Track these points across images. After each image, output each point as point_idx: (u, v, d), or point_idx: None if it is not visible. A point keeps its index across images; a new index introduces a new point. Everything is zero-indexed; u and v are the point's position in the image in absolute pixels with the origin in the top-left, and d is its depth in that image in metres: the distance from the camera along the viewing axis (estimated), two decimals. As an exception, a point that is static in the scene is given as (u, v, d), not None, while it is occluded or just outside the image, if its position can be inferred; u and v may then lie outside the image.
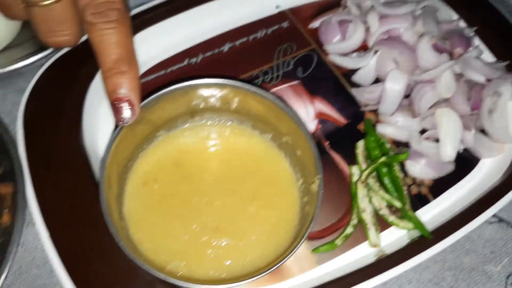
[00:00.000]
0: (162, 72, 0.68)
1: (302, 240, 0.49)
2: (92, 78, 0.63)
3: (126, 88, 0.46)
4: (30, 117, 0.60)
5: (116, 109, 0.46)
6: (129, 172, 0.57)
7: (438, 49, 0.67)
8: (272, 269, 0.49)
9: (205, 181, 0.58)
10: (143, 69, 0.68)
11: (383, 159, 0.61)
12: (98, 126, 0.63)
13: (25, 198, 0.54)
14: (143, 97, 0.54)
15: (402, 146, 0.66)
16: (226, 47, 0.71)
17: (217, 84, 0.56)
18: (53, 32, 0.47)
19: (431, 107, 0.66)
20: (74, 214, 0.54)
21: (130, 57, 0.47)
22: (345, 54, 0.72)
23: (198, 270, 0.52)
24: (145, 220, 0.54)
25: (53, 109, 0.61)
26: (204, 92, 0.56)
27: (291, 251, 0.49)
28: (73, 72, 0.63)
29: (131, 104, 0.46)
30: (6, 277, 0.50)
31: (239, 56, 0.71)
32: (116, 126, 0.52)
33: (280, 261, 0.49)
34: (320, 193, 0.51)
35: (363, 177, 0.60)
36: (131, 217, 0.55)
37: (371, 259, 0.58)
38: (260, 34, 0.73)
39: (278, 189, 0.58)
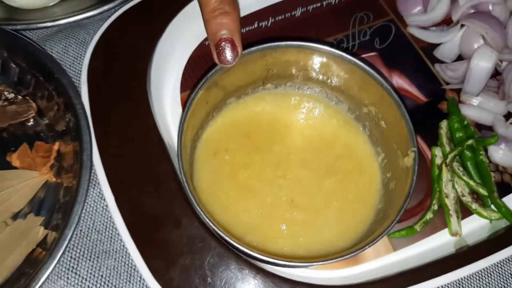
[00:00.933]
0: (230, 34, 0.64)
1: (394, 222, 0.45)
2: (161, 34, 0.58)
3: (230, 28, 0.46)
4: (95, 72, 0.55)
5: (219, 51, 0.46)
6: (199, 141, 0.53)
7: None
8: (352, 254, 0.45)
9: (278, 152, 0.54)
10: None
11: (470, 141, 0.56)
12: (165, 86, 0.59)
13: (91, 157, 0.50)
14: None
15: (484, 130, 0.61)
16: (298, 12, 0.66)
17: (299, 46, 0.51)
18: None
19: (521, 90, 0.61)
20: (141, 177, 0.50)
21: None
22: (424, 27, 0.67)
23: (272, 246, 0.49)
24: (216, 192, 0.51)
25: (119, 65, 0.56)
26: (283, 55, 0.52)
27: (381, 234, 0.45)
28: (141, 27, 0.58)
29: (234, 45, 0.46)
30: (69, 240, 0.47)
31: (312, 22, 0.65)
32: (193, 90, 0.48)
33: (367, 244, 0.45)
34: (416, 168, 0.47)
35: (449, 159, 0.55)
36: (202, 188, 0.51)
37: (450, 249, 0.53)
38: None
39: (356, 163, 0.54)
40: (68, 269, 0.48)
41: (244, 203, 0.50)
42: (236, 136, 0.54)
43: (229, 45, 0.46)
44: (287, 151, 0.54)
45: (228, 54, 0.47)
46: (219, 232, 0.43)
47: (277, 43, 0.51)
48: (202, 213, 0.43)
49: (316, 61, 0.53)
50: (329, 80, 0.55)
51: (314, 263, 0.46)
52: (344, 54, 0.51)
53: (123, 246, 0.50)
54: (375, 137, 0.54)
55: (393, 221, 0.45)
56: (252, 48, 0.50)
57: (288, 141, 0.55)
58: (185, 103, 0.48)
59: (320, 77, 0.55)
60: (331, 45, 0.62)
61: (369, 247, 0.45)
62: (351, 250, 0.44)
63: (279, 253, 0.49)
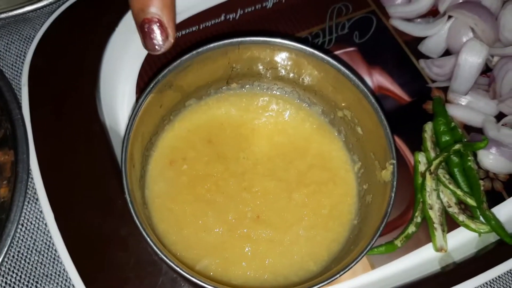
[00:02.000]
0: (194, 28, 0.58)
1: (372, 242, 0.40)
2: (114, 28, 0.52)
3: (157, 6, 0.37)
4: (38, 72, 0.50)
5: (144, 33, 0.38)
6: (153, 148, 0.47)
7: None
8: (331, 279, 0.39)
9: (243, 161, 0.48)
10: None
11: (458, 146, 0.50)
12: (118, 88, 0.53)
13: (28, 169, 0.44)
14: (172, 59, 0.44)
15: (474, 132, 0.56)
16: (269, 3, 0.60)
17: (265, 42, 0.45)
18: None
19: (514, 88, 0.55)
20: (85, 192, 0.45)
21: None
22: (409, 19, 0.61)
23: (235, 270, 0.43)
24: (171, 208, 0.45)
25: (66, 64, 0.50)
26: (249, 52, 0.46)
27: (357, 257, 0.39)
28: (92, 20, 0.53)
29: (162, 26, 0.38)
30: (1, 263, 0.41)
31: (285, 14, 0.59)
32: (141, 93, 0.42)
33: (342, 269, 0.39)
34: (394, 184, 0.41)
35: (433, 166, 0.49)
36: (155, 203, 0.45)
37: (435, 267, 0.48)
38: (310, -11, 0.61)
39: (330, 173, 0.48)
40: (1, 299, 0.43)
41: (203, 220, 0.44)
42: (195, 143, 0.48)
43: (156, 25, 0.38)
44: (253, 160, 0.48)
45: (156, 38, 0.38)
46: (167, 261, 0.37)
47: (240, 39, 0.45)
48: (147, 237, 0.38)
49: (285, 58, 0.47)
50: (300, 79, 0.49)
51: None
52: (315, 52, 0.45)
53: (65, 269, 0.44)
54: (351, 143, 0.48)
55: (369, 242, 0.40)
56: (212, 44, 0.44)
57: (255, 148, 0.49)
58: (132, 110, 0.42)
59: (291, 75, 0.49)
60: (303, 41, 0.56)
61: (344, 273, 0.39)
62: (322, 278, 0.39)
63: (241, 278, 0.43)
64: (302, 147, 0.49)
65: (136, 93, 0.53)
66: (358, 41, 0.59)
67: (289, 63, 0.47)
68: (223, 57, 0.46)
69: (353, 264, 0.39)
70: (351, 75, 0.44)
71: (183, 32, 0.57)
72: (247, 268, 0.43)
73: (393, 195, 0.41)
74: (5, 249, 0.41)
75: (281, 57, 0.47)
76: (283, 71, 0.49)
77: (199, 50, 0.43)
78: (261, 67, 0.49)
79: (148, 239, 0.38)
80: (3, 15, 0.54)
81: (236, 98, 0.51)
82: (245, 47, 0.46)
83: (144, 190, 0.45)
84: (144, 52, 0.55)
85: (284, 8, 0.60)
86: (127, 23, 0.53)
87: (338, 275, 0.39)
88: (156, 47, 0.38)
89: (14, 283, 0.43)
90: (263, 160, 0.48)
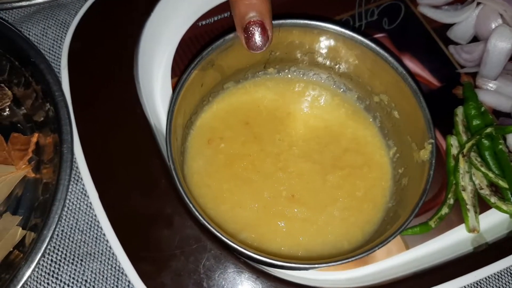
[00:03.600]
0: (226, 15, 0.58)
1: (409, 221, 0.41)
2: (149, 14, 0.53)
3: (260, 10, 0.41)
4: (76, 56, 0.50)
5: (248, 35, 0.41)
6: (192, 127, 0.48)
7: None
8: (361, 255, 0.40)
9: (279, 143, 0.49)
10: (202, 10, 0.58)
11: (489, 129, 0.51)
12: (154, 71, 0.54)
13: (72, 149, 0.45)
14: (212, 40, 0.45)
15: (503, 117, 0.56)
16: (299, -11, 0.61)
17: (305, 25, 0.46)
18: None
19: (542, 73, 0.56)
20: (128, 172, 0.45)
21: None
22: (436, 6, 0.61)
23: (269, 245, 0.44)
24: (209, 184, 0.46)
25: (103, 48, 0.51)
26: (286, 36, 0.47)
27: (393, 234, 0.40)
28: (127, 6, 0.53)
29: (264, 29, 0.41)
30: (48, 242, 0.42)
31: (314, 1, 0.60)
32: (185, 69, 0.43)
33: (377, 245, 0.40)
34: (433, 162, 0.42)
35: (466, 149, 0.50)
36: (194, 179, 0.46)
37: (467, 247, 0.49)
38: (337, -24, 0.62)
39: (365, 157, 0.49)
40: (48, 274, 0.43)
41: (239, 197, 0.45)
42: (233, 124, 0.49)
43: (259, 28, 0.41)
44: (289, 142, 0.49)
45: (258, 39, 0.42)
46: (210, 228, 0.38)
47: (281, 21, 0.46)
48: (191, 205, 0.39)
49: (324, 43, 0.48)
50: (337, 66, 0.50)
51: (316, 265, 0.41)
52: (355, 35, 0.45)
53: (109, 247, 0.45)
54: (387, 129, 0.49)
55: (406, 219, 0.41)
56: None
57: (291, 131, 0.50)
58: (176, 84, 0.43)
59: (328, 62, 0.50)
60: (340, 24, 0.57)
61: (378, 248, 0.40)
62: (358, 252, 0.40)
63: (276, 253, 0.44)
64: (337, 132, 0.50)
65: (172, 77, 0.54)
66: (387, 27, 0.59)
67: (327, 47, 0.48)
68: None
69: (388, 240, 0.40)
70: (390, 58, 0.45)
71: (215, 18, 0.58)
72: (281, 244, 0.44)
73: (431, 173, 0.42)
74: (53, 226, 0.42)
75: (319, 41, 0.48)
76: (320, 57, 0.49)
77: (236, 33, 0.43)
78: (298, 53, 0.49)
79: (191, 206, 0.39)
80: (38, 1, 0.55)
81: (273, 82, 0.52)
82: (285, 30, 0.46)
83: (183, 167, 0.46)
84: (178, 37, 0.56)
85: (314, -5, 0.60)
86: (162, 8, 0.54)
87: (372, 250, 0.40)
88: (259, 47, 0.42)
89: (60, 260, 0.44)
90: (298, 142, 0.49)
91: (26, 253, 0.42)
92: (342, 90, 0.51)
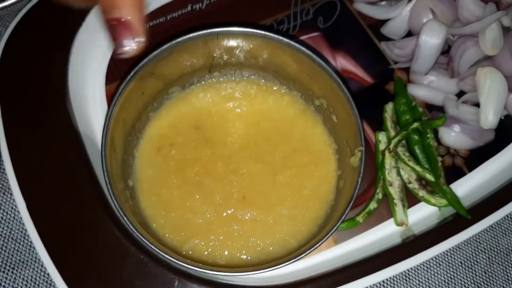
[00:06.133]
0: (161, 20, 0.59)
1: (336, 226, 0.42)
2: (81, 22, 0.54)
3: (126, 4, 0.33)
4: (8, 67, 0.51)
5: (113, 33, 0.34)
6: (139, 135, 0.49)
7: (483, -2, 0.58)
8: (306, 253, 0.42)
9: (229, 146, 0.50)
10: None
11: (415, 124, 0.52)
12: (88, 79, 0.55)
13: (0, 162, 0.46)
14: (152, 47, 0.45)
15: (435, 110, 0.57)
16: (235, -9, 0.62)
17: (245, 33, 0.47)
18: None
19: (472, 66, 0.57)
20: (56, 180, 0.47)
21: None
22: (373, 2, 0.62)
23: (219, 250, 0.46)
24: (159, 192, 0.47)
25: (34, 62, 0.52)
26: (228, 42, 0.48)
27: (328, 233, 0.42)
28: (59, 16, 0.54)
29: (131, 27, 0.34)
30: (-22, 251, 0.43)
31: (250, 3, 0.61)
32: (122, 80, 0.44)
33: (315, 244, 0.42)
34: (362, 170, 0.43)
35: (392, 145, 0.51)
36: (143, 189, 0.47)
37: (396, 240, 0.50)
38: (274, -23, 0.63)
39: (313, 156, 0.50)
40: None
41: (191, 202, 0.47)
42: (183, 129, 0.50)
43: (126, 27, 0.34)
44: (240, 144, 0.50)
45: (125, 38, 0.34)
46: (144, 240, 0.40)
47: (218, 29, 0.47)
48: (126, 219, 0.40)
49: (263, 49, 0.49)
50: (279, 70, 0.51)
51: (259, 271, 0.42)
52: (291, 42, 0.46)
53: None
54: (330, 129, 0.51)
55: (333, 226, 0.43)
56: (191, 34, 0.46)
57: (242, 133, 0.51)
58: (112, 96, 0.44)
59: (271, 65, 0.51)
60: (268, 28, 0.58)
61: (308, 253, 0.42)
62: (289, 257, 0.42)
63: (226, 257, 0.46)
64: (286, 132, 0.51)
65: (106, 83, 0.55)
66: (322, 26, 0.60)
67: (267, 52, 0.49)
68: (203, 46, 0.48)
69: (314, 247, 0.42)
70: (325, 65, 0.46)
71: (151, 24, 0.59)
72: (232, 247, 0.46)
73: (359, 180, 0.43)
74: (-19, 237, 0.43)
75: (259, 47, 0.49)
76: (262, 61, 0.50)
77: (179, 39, 0.45)
78: (241, 57, 0.50)
79: (124, 218, 0.40)
80: (-27, 14, 0.56)
81: (220, 85, 0.53)
82: (223, 37, 0.47)
83: (130, 177, 0.47)
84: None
85: (250, -4, 0.61)
86: (95, 15, 0.55)
87: (303, 255, 0.42)
88: (125, 49, 0.35)
89: (-8, 269, 0.46)
90: (250, 144, 0.50)
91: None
92: (288, 91, 0.52)
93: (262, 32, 0.46)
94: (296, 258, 0.42)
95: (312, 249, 0.42)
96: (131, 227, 0.40)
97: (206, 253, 0.46)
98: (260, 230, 0.47)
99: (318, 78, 0.48)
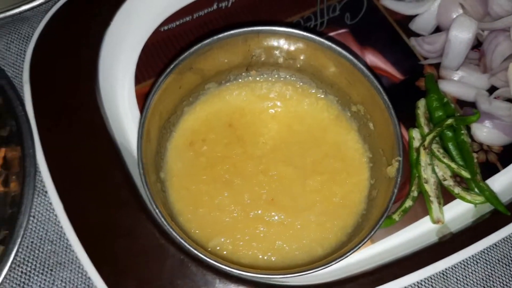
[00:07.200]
0: (188, 18, 0.59)
1: (371, 234, 0.41)
2: (108, 24, 0.53)
3: None
4: (38, 69, 0.51)
5: None
6: (173, 129, 0.49)
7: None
8: (332, 263, 0.42)
9: (261, 146, 0.49)
10: (164, 15, 0.59)
11: (450, 121, 0.51)
12: (118, 79, 0.54)
13: (35, 163, 0.46)
14: (191, 43, 0.45)
15: (467, 106, 0.57)
16: (261, -11, 0.61)
17: (287, 33, 0.47)
18: None
19: (504, 61, 0.56)
20: (92, 181, 0.46)
21: None
22: (400, -2, 0.62)
23: (244, 249, 0.45)
24: (188, 187, 0.47)
25: (64, 60, 0.52)
26: (269, 41, 0.47)
27: (357, 245, 0.41)
28: (86, 16, 0.54)
29: None
30: (16, 254, 0.43)
31: (275, 0, 0.60)
32: (160, 74, 0.44)
33: (343, 255, 0.41)
34: (398, 181, 0.43)
35: (427, 142, 0.51)
36: (173, 182, 0.47)
37: (433, 238, 0.50)
38: (299, -26, 0.62)
39: (345, 164, 0.49)
40: (19, 285, 0.44)
41: (219, 200, 0.46)
42: (216, 126, 0.50)
43: None
44: (272, 145, 0.50)
45: None
46: (177, 237, 0.39)
47: (259, 27, 0.46)
48: (158, 212, 0.40)
49: (303, 51, 0.48)
50: (317, 72, 0.50)
51: (290, 275, 0.42)
52: (333, 45, 0.46)
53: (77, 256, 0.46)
54: (365, 137, 0.50)
55: (366, 235, 0.42)
56: (232, 31, 0.46)
57: (274, 134, 0.50)
58: (150, 88, 0.43)
59: (309, 67, 0.50)
60: (294, 25, 0.58)
61: (338, 261, 0.41)
62: (323, 262, 0.42)
63: (250, 257, 0.45)
64: (319, 136, 0.51)
65: (135, 83, 0.55)
66: (349, 22, 0.60)
67: (307, 55, 0.49)
68: (243, 44, 0.48)
69: (349, 253, 0.41)
70: (365, 71, 0.45)
71: (177, 23, 0.59)
72: (257, 248, 0.45)
73: (395, 191, 0.43)
74: (19, 239, 0.43)
75: (298, 48, 0.48)
76: (301, 63, 0.50)
77: (220, 35, 0.45)
78: (280, 57, 0.50)
79: (160, 215, 0.40)
80: (1, 15, 0.55)
81: (256, 84, 0.52)
82: (264, 36, 0.47)
83: (162, 169, 0.47)
84: (141, 44, 0.57)
85: (276, -6, 0.61)
86: (122, 15, 0.55)
87: (336, 261, 0.41)
88: None
89: (30, 271, 0.45)
90: (281, 146, 0.50)
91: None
92: (324, 95, 0.51)
93: (305, 33, 0.46)
94: (328, 265, 0.42)
95: (344, 257, 0.42)
96: (162, 219, 0.40)
97: (229, 252, 0.45)
98: (286, 234, 0.46)
99: (357, 83, 0.47)
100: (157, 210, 0.40)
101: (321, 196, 0.48)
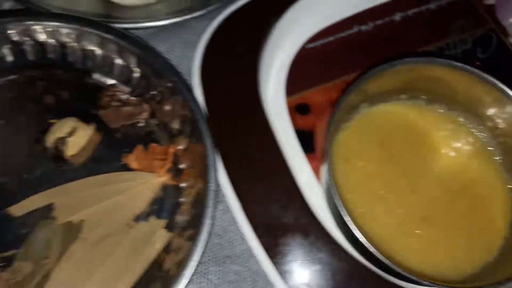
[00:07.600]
0: (331, 38, 0.63)
1: None
2: (268, 36, 0.58)
3: None
4: (206, 76, 0.55)
5: None
6: (331, 144, 0.52)
7: None
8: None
9: (411, 166, 0.53)
10: (307, 34, 0.63)
11: None
12: (269, 90, 0.58)
13: (214, 160, 0.49)
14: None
15: None
16: (397, 16, 0.65)
17: (450, 65, 0.50)
18: None
19: None
20: (264, 184, 0.50)
21: None
22: (525, 36, 0.66)
23: (399, 260, 0.48)
24: (346, 199, 0.50)
25: (228, 69, 0.56)
26: (430, 72, 0.51)
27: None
28: (247, 28, 0.58)
29: None
30: (206, 245, 0.46)
31: (412, 28, 0.64)
32: (343, 94, 0.48)
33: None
34: None
35: None
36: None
37: None
38: (433, 4, 0.66)
39: (487, 189, 0.53)
40: (200, 274, 0.48)
41: (374, 213, 0.50)
42: (369, 144, 0.53)
43: None
44: (421, 166, 0.53)
45: None
46: (367, 247, 0.43)
47: (430, 58, 0.50)
48: (347, 220, 0.43)
49: (463, 83, 0.52)
50: (469, 103, 0.53)
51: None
52: (497, 82, 0.50)
53: (243, 251, 0.50)
54: (508, 163, 0.53)
55: None
56: (405, 59, 0.50)
57: (423, 155, 0.54)
58: (336, 102, 0.48)
59: (461, 97, 0.53)
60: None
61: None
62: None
63: (406, 268, 0.48)
64: (464, 163, 0.54)
65: (286, 94, 0.59)
66: (481, 56, 0.64)
67: (462, 87, 0.52)
68: (407, 73, 0.51)
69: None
70: None
71: (322, 42, 0.63)
72: (409, 261, 0.48)
73: None
74: (207, 229, 0.46)
75: (456, 81, 0.52)
76: (453, 93, 0.53)
77: (394, 62, 0.48)
78: (439, 87, 0.53)
79: (346, 221, 0.44)
80: (164, 22, 0.59)
81: (407, 107, 0.55)
82: (427, 67, 0.51)
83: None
84: (291, 57, 0.61)
85: (410, 22, 0.65)
86: (279, 30, 0.59)
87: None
88: None
89: (208, 262, 0.49)
90: (430, 166, 0.53)
91: (178, 254, 0.47)
92: (472, 126, 0.54)
93: (470, 68, 0.50)
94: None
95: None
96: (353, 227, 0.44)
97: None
98: (436, 251, 0.50)
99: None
100: (347, 219, 0.44)
101: (468, 219, 0.51)
